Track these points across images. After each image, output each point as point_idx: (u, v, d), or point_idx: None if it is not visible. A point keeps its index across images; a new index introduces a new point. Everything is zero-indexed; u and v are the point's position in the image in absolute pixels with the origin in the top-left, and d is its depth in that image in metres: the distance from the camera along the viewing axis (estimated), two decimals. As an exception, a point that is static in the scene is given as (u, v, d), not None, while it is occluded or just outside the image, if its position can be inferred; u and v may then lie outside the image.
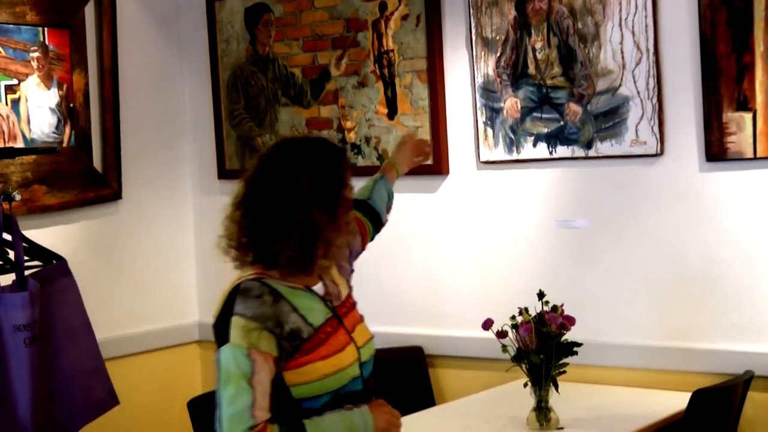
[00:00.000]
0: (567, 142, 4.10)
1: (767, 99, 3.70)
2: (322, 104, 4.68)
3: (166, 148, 5.01)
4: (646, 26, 3.90)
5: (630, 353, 3.99)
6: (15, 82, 4.45)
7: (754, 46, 3.71)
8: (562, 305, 3.61)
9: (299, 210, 2.36)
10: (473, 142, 4.32)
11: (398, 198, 4.51)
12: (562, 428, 3.53)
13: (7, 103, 4.43)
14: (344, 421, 2.38)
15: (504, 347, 3.59)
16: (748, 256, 3.78)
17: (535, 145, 4.17)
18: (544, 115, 4.14)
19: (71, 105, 4.61)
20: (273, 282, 2.39)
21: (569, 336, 3.59)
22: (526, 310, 3.61)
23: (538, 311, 3.59)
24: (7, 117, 4.42)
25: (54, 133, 4.57)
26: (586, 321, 3.73)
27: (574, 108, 4.07)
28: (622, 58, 3.96)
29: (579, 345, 3.57)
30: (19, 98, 4.46)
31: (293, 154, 2.43)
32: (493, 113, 4.25)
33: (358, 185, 4.55)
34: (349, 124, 4.61)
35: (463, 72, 4.34)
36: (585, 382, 3.97)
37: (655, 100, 3.91)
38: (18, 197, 3.74)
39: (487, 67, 4.25)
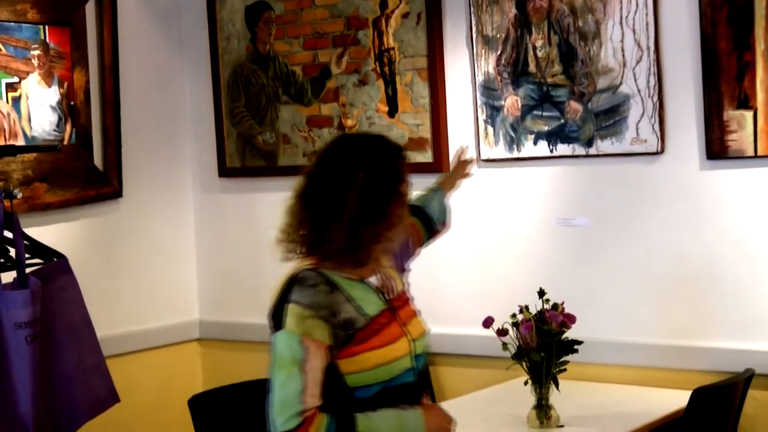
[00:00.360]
0: (567, 140, 4.10)
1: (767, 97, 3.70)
2: (322, 102, 4.68)
3: (166, 146, 5.02)
4: (647, 24, 3.90)
5: (630, 351, 3.99)
6: (16, 80, 4.45)
7: (754, 44, 3.71)
8: (563, 303, 3.61)
9: (351, 202, 2.42)
10: (474, 140, 4.32)
11: (399, 196, 4.54)
12: (562, 426, 3.53)
13: (8, 101, 4.43)
14: (397, 418, 2.41)
15: (504, 345, 3.59)
16: (748, 255, 3.78)
17: (535, 143, 4.17)
18: (544, 113, 4.14)
19: (72, 103, 4.61)
20: (329, 272, 2.45)
21: (570, 334, 3.59)
22: (527, 308, 3.61)
23: (539, 309, 3.59)
24: (8, 115, 4.43)
25: (55, 131, 4.57)
26: (586, 319, 3.74)
27: (575, 106, 4.07)
28: (623, 56, 3.96)
29: (579, 343, 3.57)
30: (19, 96, 4.47)
31: (351, 149, 2.53)
32: (494, 111, 4.25)
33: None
34: (349, 122, 4.62)
35: (463, 70, 4.34)
36: (585, 380, 3.98)
37: (655, 98, 3.91)
38: (19, 195, 3.74)
39: (488, 65, 4.25)
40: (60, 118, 4.58)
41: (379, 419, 2.38)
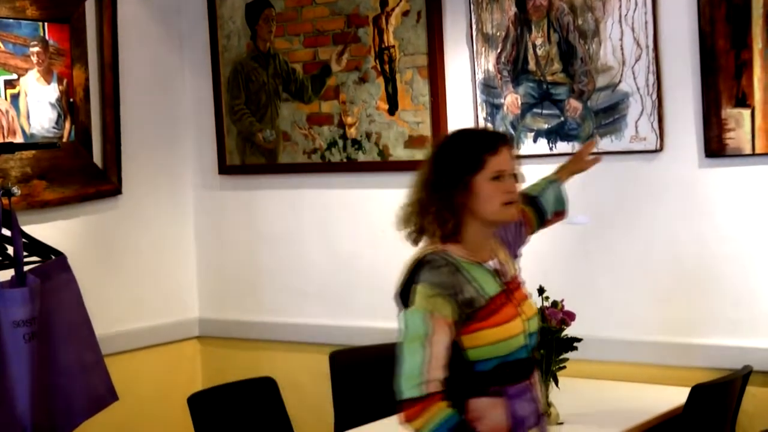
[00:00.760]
0: (567, 138, 4.10)
1: (765, 96, 3.71)
2: (323, 100, 4.68)
3: (166, 143, 5.02)
4: (646, 23, 3.90)
5: (629, 348, 3.99)
6: (15, 77, 4.46)
7: (752, 43, 3.72)
8: (562, 301, 3.62)
9: (438, 189, 2.66)
10: (473, 138, 4.32)
11: (398, 193, 4.51)
12: (562, 423, 3.53)
13: (6, 98, 4.43)
14: None
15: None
16: (746, 252, 3.78)
17: (535, 140, 4.17)
18: (544, 111, 4.14)
19: (71, 100, 4.61)
20: (452, 255, 2.64)
21: (569, 331, 3.60)
22: (527, 305, 3.60)
23: (539, 307, 3.59)
24: (7, 112, 4.43)
25: (54, 128, 4.57)
26: (586, 316, 3.74)
27: (574, 104, 4.07)
28: (622, 54, 3.96)
29: (579, 340, 3.58)
30: (18, 93, 4.46)
31: (440, 143, 2.83)
32: (494, 109, 4.26)
33: (360, 180, 4.62)
34: (349, 120, 4.62)
35: (463, 68, 4.34)
36: (585, 377, 3.98)
37: (654, 96, 3.91)
38: (17, 192, 3.74)
39: (488, 63, 4.26)
40: (59, 116, 4.59)
41: None
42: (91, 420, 3.85)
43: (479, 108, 4.29)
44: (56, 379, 3.72)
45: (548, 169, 4.14)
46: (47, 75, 4.54)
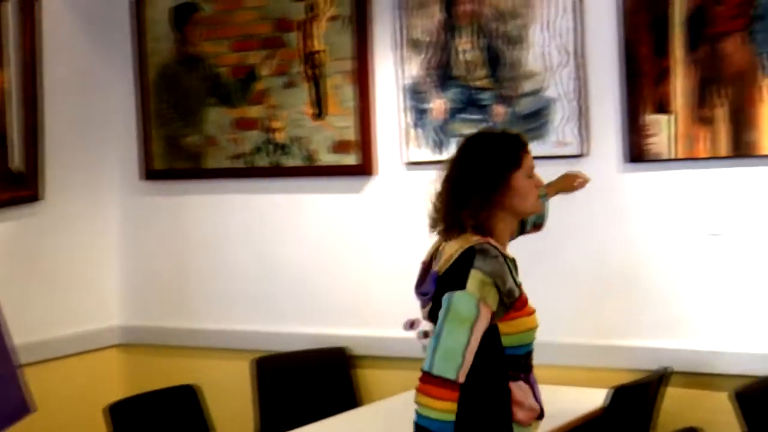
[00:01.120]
0: (492, 143, 4.13)
1: (685, 102, 3.79)
2: (250, 104, 4.66)
3: (90, 147, 4.94)
4: (571, 29, 3.96)
5: (553, 351, 4.00)
6: (-67, 77, 4.35)
7: (673, 51, 3.79)
8: (488, 304, 3.63)
9: (478, 186, 2.79)
10: (401, 143, 4.34)
11: (325, 198, 4.55)
12: (485, 425, 3.55)
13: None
14: None
15: (426, 347, 3.60)
16: (666, 255, 3.85)
17: (461, 145, 4.20)
18: (470, 116, 4.18)
19: (-12, 103, 4.50)
20: (497, 247, 2.77)
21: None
22: (450, 308, 3.62)
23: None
24: None
25: (-30, 131, 4.46)
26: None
27: (500, 109, 4.11)
28: (547, 60, 4.01)
29: (502, 343, 3.59)
30: (-67, 94, 4.36)
31: (473, 143, 2.89)
32: (421, 114, 4.28)
33: (286, 185, 4.61)
34: (276, 125, 4.61)
35: (390, 73, 4.36)
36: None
37: (579, 102, 3.97)
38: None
39: (415, 68, 4.28)
40: (-24, 118, 4.47)
41: None
42: (7, 432, 3.76)
43: (406, 113, 4.31)
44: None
45: (474, 173, 4.20)
46: (-35, 76, 4.44)
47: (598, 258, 3.97)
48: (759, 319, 3.75)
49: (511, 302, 2.72)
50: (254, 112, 4.65)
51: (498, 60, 4.10)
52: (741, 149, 3.73)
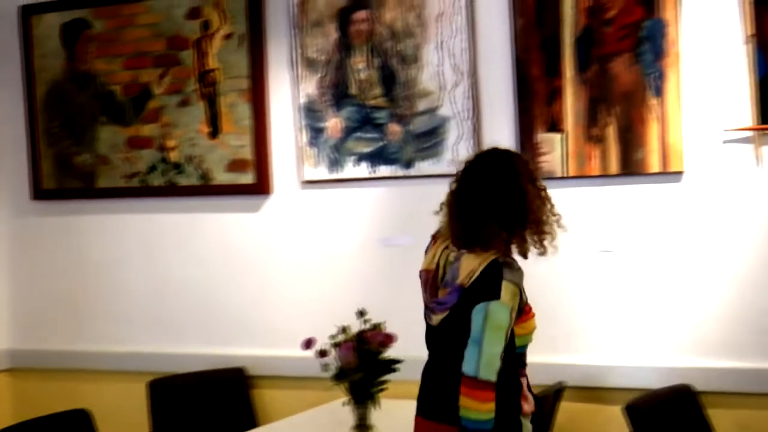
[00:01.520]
0: (388, 161, 4.16)
1: (576, 121, 3.86)
2: (143, 123, 4.60)
3: (-23, 167, 4.82)
4: (464, 49, 4.01)
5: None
6: None
7: (563, 71, 3.86)
8: (384, 323, 3.65)
9: (510, 204, 2.97)
10: (297, 162, 4.33)
11: (222, 217, 4.51)
12: (383, 444, 3.57)
13: None
14: None
15: (325, 366, 3.60)
16: (559, 272, 3.90)
17: (357, 164, 4.21)
18: (366, 135, 4.19)
19: None
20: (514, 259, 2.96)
21: (391, 353, 3.63)
22: (347, 329, 3.63)
23: (359, 329, 3.61)
24: None
25: None
26: (408, 337, 3.77)
27: (395, 128, 4.14)
28: (442, 79, 4.05)
29: (399, 362, 3.61)
30: None
31: (500, 162, 3.02)
32: (316, 133, 4.28)
33: (182, 204, 4.55)
34: (171, 143, 4.55)
35: (286, 91, 4.35)
36: (408, 398, 3.98)
37: (473, 120, 4.01)
38: None
39: (310, 86, 4.28)
40: None
41: None
42: None
43: (302, 131, 4.30)
44: None
45: (370, 192, 4.22)
46: None
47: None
48: (649, 333, 3.84)
49: (522, 307, 2.96)
50: (148, 130, 4.59)
51: (393, 79, 4.13)
52: (630, 167, 3.81)
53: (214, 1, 4.43)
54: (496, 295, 2.85)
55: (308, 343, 3.66)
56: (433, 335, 3.08)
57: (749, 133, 3.66)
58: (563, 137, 3.89)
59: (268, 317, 4.41)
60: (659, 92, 3.75)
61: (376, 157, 4.18)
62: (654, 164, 3.78)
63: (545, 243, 2.97)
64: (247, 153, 4.40)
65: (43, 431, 3.75)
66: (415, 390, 4.02)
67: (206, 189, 4.49)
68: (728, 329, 3.72)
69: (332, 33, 4.22)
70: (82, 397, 4.50)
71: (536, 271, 3.90)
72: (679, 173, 3.75)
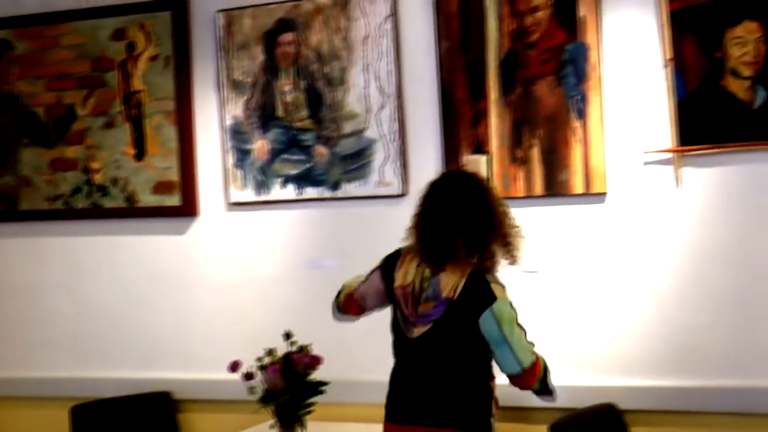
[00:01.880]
0: (315, 183, 4.16)
1: (501, 143, 3.90)
2: (67, 145, 4.55)
3: None
4: (390, 72, 4.03)
5: (376, 389, 4.02)
6: None
7: (488, 93, 3.91)
8: (310, 345, 3.64)
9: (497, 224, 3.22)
10: (223, 184, 4.32)
11: (148, 240, 4.46)
12: (309, 467, 3.56)
13: None
14: None
15: (251, 389, 3.58)
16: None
17: (283, 186, 4.21)
18: (292, 157, 4.19)
19: None
20: None
21: (317, 375, 3.62)
22: (273, 351, 3.62)
23: (286, 352, 3.60)
24: None
25: None
26: (334, 359, 3.78)
27: (322, 150, 4.14)
28: (368, 102, 4.07)
29: (326, 384, 3.60)
30: None
31: (484, 186, 3.24)
32: (243, 155, 4.27)
33: (107, 227, 4.50)
34: (95, 165, 4.51)
35: (212, 113, 4.33)
36: (334, 419, 4.00)
37: (398, 143, 4.03)
38: None
39: (237, 108, 4.27)
40: None
41: None
42: None
43: (228, 154, 4.29)
44: None
45: (296, 214, 4.22)
46: None
47: (420, 296, 4.02)
48: (573, 353, 3.87)
49: None
50: (72, 152, 4.54)
51: (319, 101, 4.14)
52: (555, 188, 3.86)
53: (140, 23, 4.40)
54: (492, 299, 3.08)
55: (234, 366, 3.64)
56: (411, 347, 3.19)
57: (669, 155, 3.73)
58: (488, 159, 3.93)
59: (195, 340, 4.38)
60: (582, 115, 3.80)
61: (302, 179, 4.18)
62: (578, 185, 3.83)
63: (515, 253, 3.16)
64: (173, 175, 4.37)
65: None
66: (342, 411, 4.04)
67: (132, 211, 4.45)
68: (650, 348, 3.78)
69: (258, 55, 4.22)
70: (1, 426, 4.42)
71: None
72: (603, 194, 3.81)
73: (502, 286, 3.15)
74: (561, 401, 3.79)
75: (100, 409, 4.25)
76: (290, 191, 4.20)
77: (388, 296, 3.26)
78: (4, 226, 4.66)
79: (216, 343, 4.31)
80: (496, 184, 3.90)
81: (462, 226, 3.10)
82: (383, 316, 4.06)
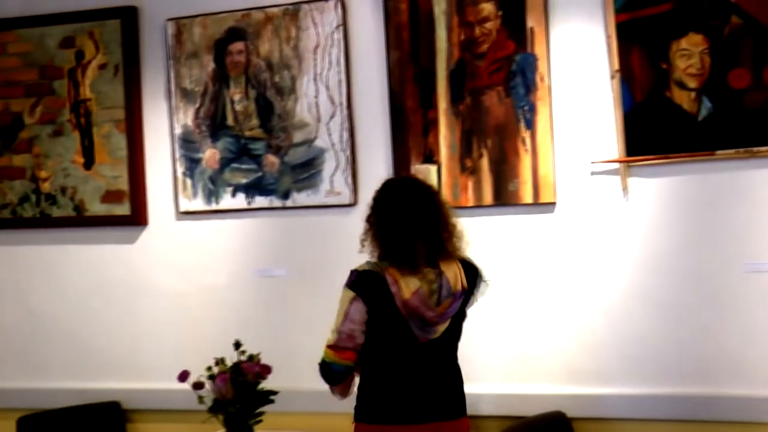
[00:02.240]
0: (265, 192, 4.15)
1: (450, 153, 3.92)
2: (14, 153, 4.51)
3: None
4: (340, 81, 4.04)
5: (327, 399, 4.03)
6: None
7: (437, 103, 3.93)
8: (259, 354, 3.63)
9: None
10: (173, 193, 4.30)
11: (97, 249, 4.43)
12: (257, 476, 3.55)
13: None
14: None
15: (201, 398, 3.57)
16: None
17: (234, 195, 4.20)
18: (242, 166, 4.18)
19: None
20: None
21: (267, 384, 3.62)
22: (223, 360, 3.61)
23: (235, 361, 3.59)
24: None
25: None
26: (284, 369, 3.78)
27: (272, 159, 4.14)
28: (318, 111, 4.07)
29: (275, 393, 3.60)
30: None
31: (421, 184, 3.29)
32: (193, 164, 4.25)
33: (55, 236, 4.46)
34: (43, 174, 4.47)
35: (162, 122, 4.31)
36: (284, 429, 4.00)
37: (348, 152, 4.04)
38: None
39: (187, 117, 4.25)
40: None
41: None
42: None
43: (178, 162, 4.27)
44: None
45: (247, 223, 4.21)
46: None
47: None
48: (522, 361, 3.90)
49: None
50: (19, 160, 4.50)
51: (269, 110, 4.14)
52: (504, 198, 3.89)
53: (89, 31, 4.37)
54: (477, 269, 3.26)
55: (184, 376, 3.62)
56: (427, 349, 3.12)
57: (616, 165, 3.77)
58: (438, 168, 3.94)
59: (144, 350, 4.35)
60: (531, 125, 3.84)
61: (252, 188, 4.17)
62: (527, 195, 3.86)
63: (462, 254, 3.21)
64: (123, 184, 4.34)
65: None
66: (291, 421, 4.03)
67: (80, 220, 4.42)
68: (598, 356, 3.81)
69: (209, 64, 4.22)
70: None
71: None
72: (552, 204, 3.84)
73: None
74: (510, 409, 3.84)
75: (48, 420, 4.20)
76: (240, 200, 4.19)
77: (387, 316, 3.09)
78: (-50, 235, 4.61)
79: (165, 352, 4.28)
80: (446, 194, 3.92)
81: (425, 230, 3.11)
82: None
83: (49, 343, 4.49)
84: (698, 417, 3.68)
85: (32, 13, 4.47)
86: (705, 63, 3.64)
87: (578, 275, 3.83)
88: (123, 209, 4.35)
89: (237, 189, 4.19)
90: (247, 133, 4.17)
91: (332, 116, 4.06)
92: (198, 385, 3.60)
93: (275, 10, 4.11)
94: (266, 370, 3.62)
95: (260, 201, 4.16)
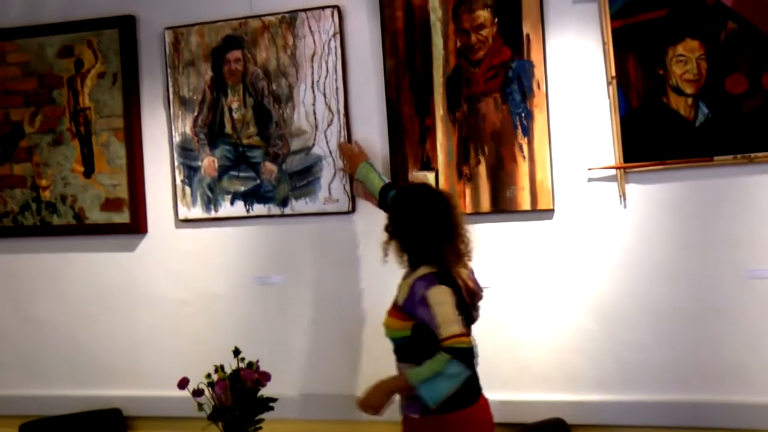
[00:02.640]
0: (263, 200, 4.16)
1: (447, 160, 3.93)
2: (14, 162, 4.52)
3: None
4: (337, 89, 4.05)
5: (326, 405, 4.06)
6: None
7: (434, 110, 3.94)
8: (258, 361, 3.64)
9: None
10: (172, 201, 4.31)
11: (96, 257, 4.44)
12: (256, 483, 3.56)
13: None
14: None
15: (200, 405, 3.58)
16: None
17: (232, 203, 4.21)
18: (241, 174, 4.19)
19: None
20: None
21: (266, 391, 3.63)
22: (222, 367, 3.62)
23: (234, 368, 3.60)
24: None
25: None
26: (283, 375, 3.79)
27: (270, 167, 4.15)
28: (315, 119, 4.08)
29: (274, 400, 3.61)
30: None
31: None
32: (191, 172, 4.26)
33: (55, 244, 4.48)
34: (44, 182, 4.48)
35: (160, 131, 4.33)
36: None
37: (346, 160, 4.04)
38: None
39: (185, 126, 4.26)
40: None
41: None
42: None
43: (176, 171, 4.29)
44: None
45: (245, 231, 4.22)
46: None
47: (368, 313, 4.02)
48: (521, 368, 3.90)
49: None
50: (20, 169, 4.52)
51: (267, 118, 4.15)
52: (502, 205, 3.89)
53: (87, 40, 4.39)
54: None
55: (183, 383, 3.63)
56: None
57: (613, 172, 3.77)
58: (435, 175, 3.95)
59: (144, 357, 4.36)
60: (527, 131, 3.84)
61: (251, 196, 4.18)
62: (525, 202, 3.86)
63: (470, 249, 3.38)
64: (122, 192, 4.36)
65: None
66: (290, 427, 4.04)
67: (80, 228, 4.43)
68: (597, 363, 3.81)
69: (206, 72, 4.23)
70: None
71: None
72: (550, 211, 3.84)
73: None
74: (509, 416, 3.84)
75: (49, 427, 4.22)
76: (239, 208, 4.20)
77: (462, 304, 3.34)
78: (-49, 244, 4.63)
79: (165, 359, 4.30)
80: (443, 201, 3.92)
81: (449, 235, 3.34)
82: (331, 334, 4.08)
83: (50, 350, 4.51)
84: (698, 424, 3.68)
85: (31, 23, 4.48)
86: (701, 68, 3.64)
87: (577, 282, 3.83)
88: (122, 217, 4.37)
89: (235, 197, 4.20)
90: (245, 141, 4.18)
91: (329, 124, 4.06)
92: (197, 392, 3.61)
93: (272, 18, 4.13)
94: (265, 377, 3.62)
95: (258, 208, 4.17)
